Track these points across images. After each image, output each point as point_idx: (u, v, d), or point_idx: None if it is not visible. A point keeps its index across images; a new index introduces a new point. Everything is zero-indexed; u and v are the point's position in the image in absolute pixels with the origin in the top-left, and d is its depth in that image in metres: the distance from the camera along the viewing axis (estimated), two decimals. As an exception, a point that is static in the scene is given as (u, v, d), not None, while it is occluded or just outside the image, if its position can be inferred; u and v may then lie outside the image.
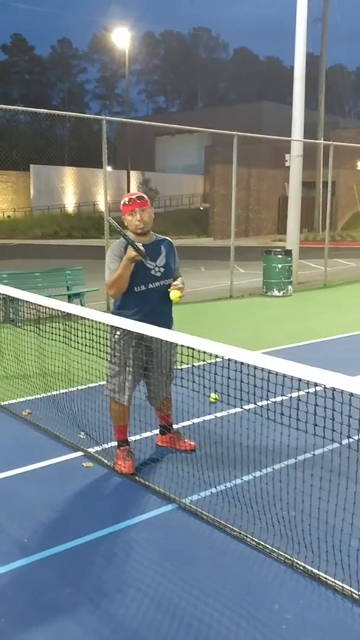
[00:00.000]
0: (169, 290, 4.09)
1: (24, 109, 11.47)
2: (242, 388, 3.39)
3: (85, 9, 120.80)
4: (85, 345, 4.42)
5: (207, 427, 4.74)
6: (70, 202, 42.57)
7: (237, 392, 3.41)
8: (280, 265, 12.65)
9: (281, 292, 12.65)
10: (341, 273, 16.67)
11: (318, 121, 33.22)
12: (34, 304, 4.87)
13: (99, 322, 4.09)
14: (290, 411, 3.19)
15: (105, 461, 4.30)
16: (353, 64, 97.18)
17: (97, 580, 2.98)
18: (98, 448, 4.50)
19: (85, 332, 4.43)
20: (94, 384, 5.35)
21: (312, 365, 2.75)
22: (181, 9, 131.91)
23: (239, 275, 15.00)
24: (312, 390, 2.97)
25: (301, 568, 3.04)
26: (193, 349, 3.38)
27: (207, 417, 4.80)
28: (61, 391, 5.47)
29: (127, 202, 4.05)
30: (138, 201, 4.04)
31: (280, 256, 12.75)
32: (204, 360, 3.46)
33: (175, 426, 4.61)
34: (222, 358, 3.20)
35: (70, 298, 9.92)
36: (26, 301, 4.96)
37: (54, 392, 5.50)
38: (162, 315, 4.14)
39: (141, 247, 3.88)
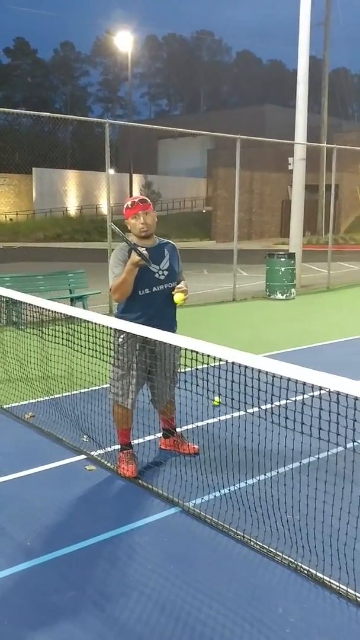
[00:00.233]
0: (172, 293, 4.09)
1: (27, 112, 11.55)
2: (246, 391, 3.38)
3: (88, 13, 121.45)
4: (88, 348, 4.42)
5: (210, 431, 4.73)
6: (72, 205, 42.68)
7: (241, 396, 3.40)
8: (283, 269, 12.64)
9: (284, 295, 12.64)
10: (344, 276, 16.67)
11: (321, 124, 33.23)
12: (37, 306, 4.87)
13: (102, 325, 4.09)
14: (294, 415, 3.17)
15: (108, 464, 4.29)
16: (356, 67, 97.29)
17: (101, 584, 2.97)
18: (101, 451, 4.49)
19: (89, 335, 4.42)
20: (96, 387, 5.35)
21: (315, 369, 2.74)
22: (184, 13, 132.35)
23: (242, 278, 15.01)
24: (316, 393, 2.96)
25: (305, 572, 3.03)
26: (197, 352, 3.37)
27: (210, 421, 4.79)
28: (64, 394, 5.48)
29: (130, 206, 4.05)
30: (141, 204, 4.04)
31: (283, 259, 12.74)
32: (207, 364, 3.46)
33: (178, 429, 4.60)
34: (226, 361, 3.19)
35: (72, 301, 9.92)
36: (29, 304, 4.96)
37: (57, 395, 5.50)
38: (166, 319, 4.14)
39: (144, 251, 3.88)
